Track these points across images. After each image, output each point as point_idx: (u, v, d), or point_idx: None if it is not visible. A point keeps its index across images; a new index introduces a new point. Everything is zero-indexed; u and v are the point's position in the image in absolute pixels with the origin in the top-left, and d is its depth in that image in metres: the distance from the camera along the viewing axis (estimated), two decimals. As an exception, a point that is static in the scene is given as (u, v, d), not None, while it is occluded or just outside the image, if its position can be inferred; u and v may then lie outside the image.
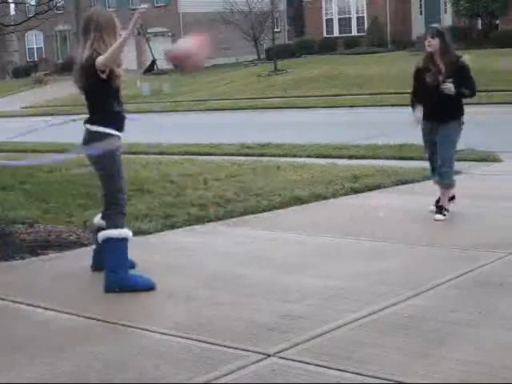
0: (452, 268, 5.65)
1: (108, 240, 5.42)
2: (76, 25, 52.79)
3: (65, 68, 51.33)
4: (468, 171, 10.40)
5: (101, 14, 5.51)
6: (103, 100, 5.40)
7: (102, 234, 5.46)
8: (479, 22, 38.30)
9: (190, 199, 8.49)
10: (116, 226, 5.41)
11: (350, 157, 12.26)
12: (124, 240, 5.44)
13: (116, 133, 5.43)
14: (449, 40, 7.46)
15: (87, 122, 5.47)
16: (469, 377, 3.76)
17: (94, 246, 5.87)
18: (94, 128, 5.40)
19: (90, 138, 5.43)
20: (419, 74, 7.63)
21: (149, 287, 5.37)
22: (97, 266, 5.79)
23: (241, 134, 16.26)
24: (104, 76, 5.24)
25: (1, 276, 5.99)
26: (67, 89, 41.76)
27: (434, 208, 7.67)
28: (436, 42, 7.38)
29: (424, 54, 7.66)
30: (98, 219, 5.74)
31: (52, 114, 30.94)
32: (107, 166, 5.43)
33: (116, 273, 5.35)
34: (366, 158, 12.02)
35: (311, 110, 24.33)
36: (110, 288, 5.34)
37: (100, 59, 5.21)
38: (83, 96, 5.55)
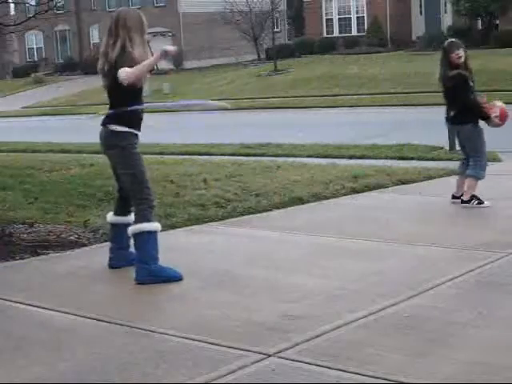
0: (452, 268, 5.65)
1: (139, 234, 5.57)
2: (76, 25, 52.93)
3: (65, 68, 51.42)
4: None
5: (129, 13, 5.65)
6: (125, 100, 5.54)
7: (132, 229, 5.60)
8: (479, 21, 38.31)
9: (190, 199, 8.49)
10: (146, 220, 5.58)
11: (350, 157, 12.27)
12: (154, 233, 5.60)
13: (134, 131, 5.61)
14: None
15: (106, 119, 5.64)
16: (469, 377, 3.76)
17: (111, 244, 6.04)
18: (113, 127, 5.57)
19: (109, 136, 5.61)
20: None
21: (178, 278, 5.57)
22: (118, 263, 5.96)
23: (241, 134, 16.27)
24: (126, 83, 5.42)
25: (1, 276, 5.99)
26: (67, 89, 41.82)
27: None
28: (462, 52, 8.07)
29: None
30: (111, 216, 5.99)
31: (52, 114, 30.94)
32: (129, 164, 5.59)
33: (148, 264, 5.53)
34: (365, 158, 12.04)
35: (311, 110, 24.35)
36: (141, 279, 5.53)
37: (123, 74, 5.37)
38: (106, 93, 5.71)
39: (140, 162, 5.64)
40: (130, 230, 5.64)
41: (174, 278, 5.56)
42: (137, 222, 5.61)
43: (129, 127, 5.59)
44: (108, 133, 5.61)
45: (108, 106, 5.68)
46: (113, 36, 5.53)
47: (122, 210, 5.93)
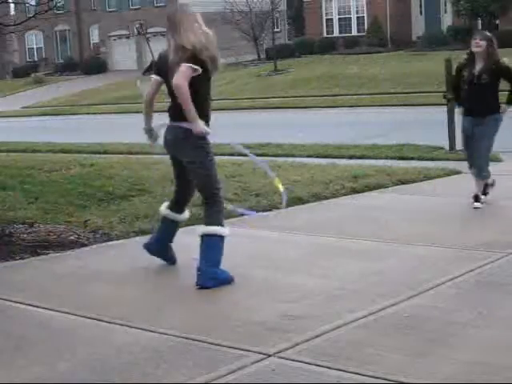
0: (452, 268, 5.65)
1: (211, 236, 5.50)
2: (76, 25, 52.92)
3: (65, 68, 51.44)
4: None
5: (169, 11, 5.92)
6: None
7: (205, 230, 5.51)
8: (479, 22, 38.29)
9: (190, 199, 8.47)
10: (219, 224, 5.53)
11: (350, 157, 12.27)
12: (224, 238, 5.55)
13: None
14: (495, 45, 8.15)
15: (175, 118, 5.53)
16: (469, 377, 3.76)
17: (157, 235, 6.03)
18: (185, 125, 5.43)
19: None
20: (460, 71, 8.29)
21: (231, 280, 5.47)
22: (153, 249, 5.99)
23: (241, 134, 16.25)
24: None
25: (1, 276, 5.99)
26: (67, 89, 41.83)
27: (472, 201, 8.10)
28: (483, 43, 8.03)
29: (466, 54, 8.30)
30: (165, 208, 5.97)
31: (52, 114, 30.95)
32: (205, 163, 5.49)
33: (214, 268, 5.43)
34: (365, 158, 12.04)
35: (311, 110, 24.35)
36: (205, 283, 5.37)
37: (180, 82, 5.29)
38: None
39: (214, 161, 5.58)
40: (202, 230, 5.54)
41: (229, 280, 5.47)
42: (209, 223, 5.54)
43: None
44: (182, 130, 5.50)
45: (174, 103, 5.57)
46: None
47: (177, 208, 5.97)
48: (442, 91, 13.17)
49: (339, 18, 43.58)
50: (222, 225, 5.54)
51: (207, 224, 5.53)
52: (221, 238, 5.51)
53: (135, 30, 46.37)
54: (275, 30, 41.67)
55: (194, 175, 5.60)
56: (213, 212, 5.56)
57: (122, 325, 4.68)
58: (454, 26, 38.42)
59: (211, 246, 5.50)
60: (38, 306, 5.10)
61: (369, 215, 7.77)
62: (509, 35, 34.35)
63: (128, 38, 49.61)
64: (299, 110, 24.65)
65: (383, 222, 7.40)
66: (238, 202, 8.34)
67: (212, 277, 5.39)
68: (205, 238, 5.51)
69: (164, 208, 6.00)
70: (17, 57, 54.15)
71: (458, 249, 6.24)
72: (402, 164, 11.02)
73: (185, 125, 5.41)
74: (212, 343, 4.29)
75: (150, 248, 6.01)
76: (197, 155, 5.48)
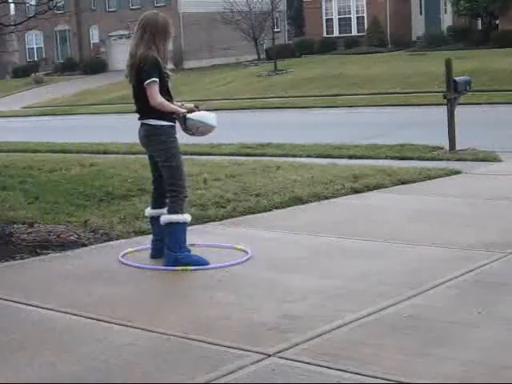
0: (452, 268, 5.65)
1: (169, 224, 5.94)
2: (76, 25, 52.93)
3: (65, 68, 51.43)
4: (468, 171, 10.41)
5: (158, 18, 6.29)
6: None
7: (163, 219, 5.97)
8: (479, 21, 38.33)
9: (190, 199, 8.47)
10: (175, 212, 5.94)
11: (350, 157, 12.28)
12: (183, 224, 5.97)
13: (172, 123, 5.97)
14: None
15: (143, 117, 5.98)
16: (469, 377, 3.76)
17: (152, 236, 6.33)
18: (152, 122, 5.90)
19: (150, 131, 5.96)
20: None
21: (204, 264, 5.93)
22: (156, 254, 6.22)
23: (241, 134, 16.27)
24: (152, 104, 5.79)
25: (1, 276, 5.99)
26: (67, 89, 41.82)
27: None
28: None
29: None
30: (148, 211, 6.33)
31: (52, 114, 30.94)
32: (168, 156, 5.92)
33: (174, 252, 5.92)
34: (365, 158, 12.04)
35: (311, 110, 24.35)
36: (168, 264, 5.94)
37: (157, 101, 5.76)
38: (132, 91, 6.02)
39: (178, 155, 5.98)
40: (162, 219, 5.98)
41: (201, 264, 5.90)
42: (169, 212, 5.96)
43: (167, 120, 5.90)
44: (149, 127, 5.94)
45: (137, 102, 5.98)
46: (140, 37, 5.97)
47: (158, 203, 6.24)
48: (441, 91, 13.16)
49: (339, 18, 43.61)
50: (182, 213, 5.98)
51: (170, 213, 5.96)
52: (180, 224, 5.94)
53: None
54: (275, 30, 41.70)
55: (162, 168, 6.02)
56: (175, 202, 5.95)
57: (121, 325, 4.68)
58: (453, 26, 38.45)
59: (172, 233, 5.95)
60: (37, 306, 5.10)
61: (369, 215, 7.77)
62: (509, 35, 34.41)
63: (128, 37, 49.59)
64: (299, 110, 24.65)
65: (383, 222, 7.40)
66: (238, 201, 8.34)
67: (172, 260, 5.90)
68: (168, 225, 5.96)
69: (148, 210, 6.36)
70: (17, 57, 54.12)
71: (458, 249, 6.24)
72: (402, 164, 11.02)
73: (151, 122, 5.90)
74: (212, 343, 4.29)
75: (159, 254, 6.19)
76: (162, 149, 5.93)
